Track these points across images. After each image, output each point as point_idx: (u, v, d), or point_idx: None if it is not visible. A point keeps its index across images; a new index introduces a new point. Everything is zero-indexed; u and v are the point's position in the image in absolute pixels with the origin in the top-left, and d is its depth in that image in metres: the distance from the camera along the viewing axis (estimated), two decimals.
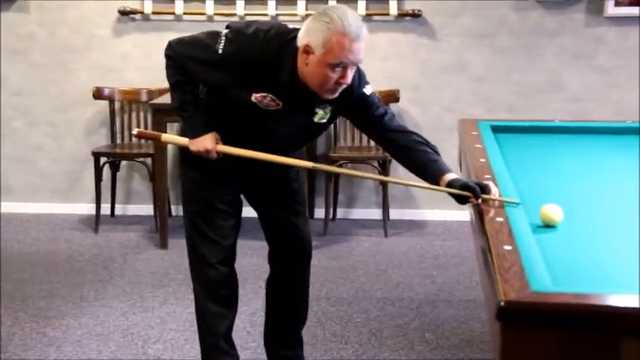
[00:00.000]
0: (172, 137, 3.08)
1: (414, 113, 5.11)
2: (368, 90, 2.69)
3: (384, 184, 4.97)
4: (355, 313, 3.79)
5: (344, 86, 2.53)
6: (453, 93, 5.10)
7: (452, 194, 2.48)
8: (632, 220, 2.35)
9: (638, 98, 4.89)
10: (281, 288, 3.05)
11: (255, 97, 2.58)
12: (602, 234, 2.23)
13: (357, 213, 5.28)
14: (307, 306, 3.11)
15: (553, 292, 1.69)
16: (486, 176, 2.63)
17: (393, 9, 4.97)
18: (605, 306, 1.64)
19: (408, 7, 4.99)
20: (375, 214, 5.16)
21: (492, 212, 2.24)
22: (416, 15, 4.98)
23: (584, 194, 2.63)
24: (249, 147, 2.69)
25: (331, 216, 5.14)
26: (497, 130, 3.47)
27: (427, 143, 2.69)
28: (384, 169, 4.91)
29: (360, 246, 4.76)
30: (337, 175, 5.13)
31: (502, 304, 1.61)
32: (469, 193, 2.40)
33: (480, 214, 2.28)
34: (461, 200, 2.46)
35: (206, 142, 2.67)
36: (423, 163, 2.64)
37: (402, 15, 5.00)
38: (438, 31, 5.04)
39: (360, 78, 2.65)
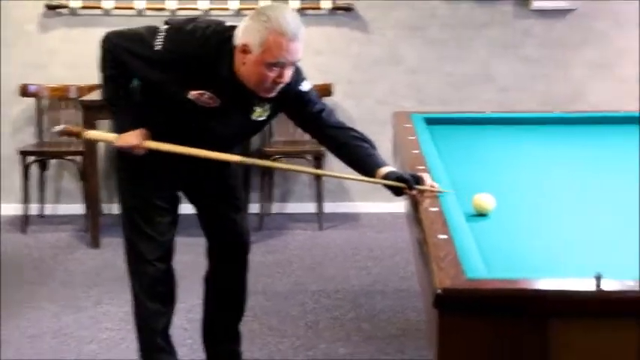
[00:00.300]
0: (98, 134, 3.04)
1: (347, 107, 5.14)
2: (306, 86, 2.68)
3: (318, 178, 4.99)
4: (291, 306, 3.79)
5: (282, 85, 2.53)
6: (386, 86, 5.14)
7: (387, 186, 2.50)
8: (559, 208, 2.42)
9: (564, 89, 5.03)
10: (220, 284, 3.04)
11: (192, 94, 2.56)
12: (532, 221, 2.29)
13: (292, 207, 5.29)
14: (245, 301, 3.10)
15: (487, 278, 1.73)
16: (420, 167, 2.66)
17: (326, 3, 4.98)
18: (536, 290, 1.68)
19: (341, 1, 5.01)
20: (310, 207, 5.17)
21: (427, 202, 2.27)
22: (348, 9, 5.00)
23: (515, 183, 2.69)
24: (187, 144, 2.66)
25: (266, 211, 5.13)
26: (430, 122, 3.51)
27: (364, 138, 2.71)
28: (319, 162, 4.92)
29: (296, 240, 4.77)
30: (271, 170, 5.12)
31: (438, 292, 1.64)
32: (403, 184, 2.42)
33: (414, 205, 2.30)
34: (396, 192, 2.49)
35: (132, 138, 2.65)
36: (360, 157, 2.66)
37: (334, 9, 5.01)
38: (371, 25, 5.07)
39: (297, 75, 2.64)
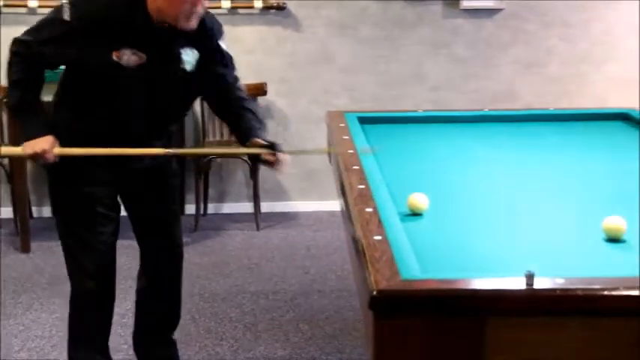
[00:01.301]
0: (7, 149, 2.91)
1: (281, 106, 5.12)
2: (224, 45, 2.76)
3: (255, 178, 4.95)
4: (229, 308, 3.76)
5: (200, 12, 2.54)
6: (320, 84, 5.14)
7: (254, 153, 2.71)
8: (492, 206, 2.45)
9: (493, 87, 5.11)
10: (153, 290, 2.97)
11: (115, 55, 2.52)
12: (465, 220, 2.30)
13: (229, 207, 5.24)
14: (180, 306, 3.05)
15: (422, 279, 1.73)
16: (354, 167, 2.66)
17: (258, 2, 4.95)
18: (470, 290, 1.69)
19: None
20: (247, 207, 5.14)
21: (362, 203, 2.27)
22: (280, 7, 4.97)
23: (448, 182, 2.71)
24: (128, 123, 2.62)
25: (202, 211, 5.07)
26: (364, 121, 3.52)
27: (256, 112, 2.83)
28: (254, 163, 4.88)
29: (233, 240, 4.73)
30: (207, 170, 5.06)
31: (374, 293, 1.63)
32: (270, 149, 2.65)
33: (350, 205, 2.30)
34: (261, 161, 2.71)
35: (41, 144, 2.56)
36: (248, 128, 2.76)
37: (266, 8, 4.98)
38: (303, 23, 5.05)
39: (218, 25, 2.74)
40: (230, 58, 2.79)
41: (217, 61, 2.74)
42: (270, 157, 2.67)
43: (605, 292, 1.65)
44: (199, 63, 2.68)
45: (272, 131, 5.16)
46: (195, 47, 2.65)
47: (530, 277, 1.65)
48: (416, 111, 4.05)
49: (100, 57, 2.52)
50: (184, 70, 2.65)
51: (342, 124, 3.40)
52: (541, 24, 5.07)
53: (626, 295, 1.65)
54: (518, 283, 1.66)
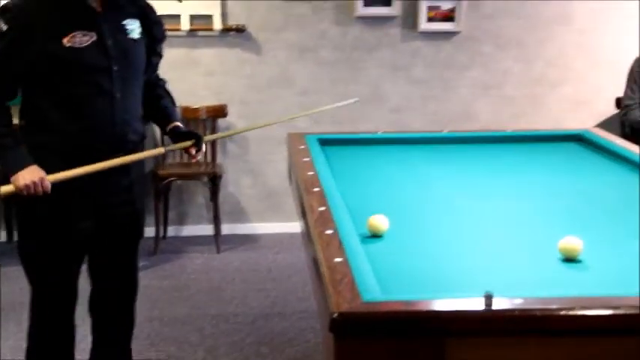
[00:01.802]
0: (4, 188, 2.65)
1: (242, 127, 5.11)
2: (164, 37, 2.89)
3: (215, 200, 4.93)
4: (189, 332, 3.73)
5: None
6: (280, 106, 5.14)
7: (176, 138, 2.82)
8: (452, 227, 2.47)
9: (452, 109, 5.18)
10: (105, 329, 2.91)
11: (67, 41, 2.51)
12: (425, 241, 2.32)
13: (189, 230, 5.21)
14: (130, 339, 2.98)
15: (383, 300, 1.74)
16: (315, 189, 2.67)
17: (217, 24, 4.96)
18: (431, 311, 1.71)
19: (232, 22, 4.99)
20: (207, 230, 5.11)
21: (322, 225, 2.27)
22: (240, 30, 4.99)
23: (409, 203, 2.73)
24: (101, 113, 2.58)
25: (162, 234, 5.03)
26: (324, 142, 3.54)
27: (170, 95, 2.95)
28: (214, 184, 4.88)
29: (193, 263, 4.70)
30: (167, 192, 5.04)
31: (334, 315, 1.64)
32: (193, 138, 2.78)
33: (310, 227, 2.31)
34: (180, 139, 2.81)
35: (33, 174, 2.48)
36: (163, 109, 2.89)
37: (226, 30, 4.99)
38: (263, 46, 5.07)
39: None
40: (164, 38, 2.89)
41: (159, 38, 2.83)
42: (192, 150, 2.80)
43: (562, 312, 1.68)
44: (142, 34, 2.73)
45: (233, 153, 5.17)
46: (135, 17, 2.70)
47: (488, 298, 1.68)
48: (375, 132, 4.07)
49: (52, 48, 2.50)
50: (133, 40, 2.68)
51: (303, 146, 3.41)
52: (496, 46, 5.16)
53: (582, 314, 1.68)
54: (477, 304, 1.68)
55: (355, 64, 5.12)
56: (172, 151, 3.10)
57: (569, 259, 2.10)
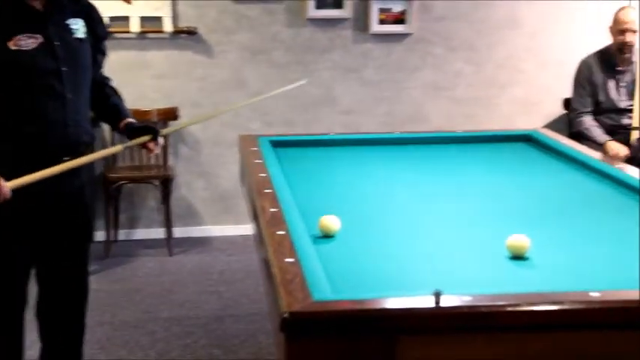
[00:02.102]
0: None
1: (194, 130, 5.09)
2: (107, 35, 2.90)
3: (167, 203, 4.90)
4: (141, 336, 3.70)
5: None
6: (234, 103, 5.13)
7: (132, 134, 2.79)
8: (403, 226, 2.50)
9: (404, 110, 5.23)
10: (54, 335, 2.86)
11: (12, 44, 2.48)
12: (377, 240, 2.34)
13: (140, 233, 5.17)
14: (82, 343, 2.94)
15: (334, 300, 1.75)
16: (267, 190, 2.68)
17: (168, 26, 4.93)
18: (381, 309, 1.73)
19: (183, 24, 4.97)
20: (159, 233, 5.08)
21: (274, 225, 2.28)
22: (191, 32, 4.97)
23: (360, 203, 2.75)
24: (50, 113, 2.55)
25: (113, 238, 4.99)
26: (276, 144, 3.54)
27: (117, 92, 2.93)
28: (166, 187, 4.85)
29: (144, 267, 4.66)
30: (117, 195, 4.99)
31: (285, 315, 1.65)
32: (150, 132, 2.76)
33: (262, 228, 2.31)
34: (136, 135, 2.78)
35: None
36: (113, 107, 2.88)
37: (177, 32, 4.96)
38: (215, 48, 5.06)
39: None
40: (107, 36, 2.90)
41: (102, 37, 2.83)
42: (151, 145, 2.77)
43: (509, 308, 1.71)
44: (87, 33, 2.71)
45: (185, 155, 5.15)
46: (78, 17, 2.68)
47: (437, 296, 1.70)
48: (328, 134, 4.10)
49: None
50: (79, 39, 2.66)
51: (255, 148, 3.41)
52: (447, 48, 5.22)
53: (528, 310, 1.71)
54: (426, 302, 1.70)
55: (307, 65, 5.14)
56: (130, 148, 3.08)
57: (517, 256, 2.14)
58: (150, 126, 2.82)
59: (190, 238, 5.13)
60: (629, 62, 4.78)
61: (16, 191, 2.44)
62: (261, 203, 2.53)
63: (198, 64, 5.05)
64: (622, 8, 4.79)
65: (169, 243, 4.89)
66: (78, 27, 2.66)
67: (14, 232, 2.60)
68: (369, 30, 5.10)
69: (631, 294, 1.80)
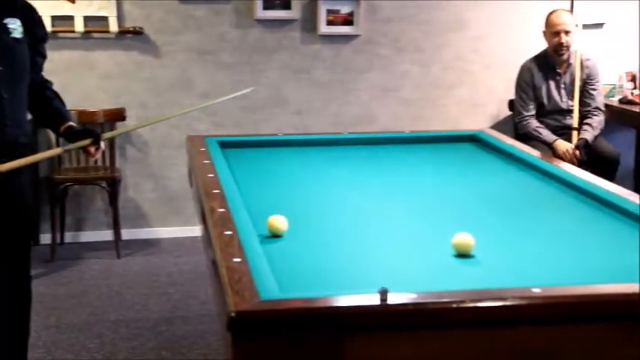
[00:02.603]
0: None
1: (141, 131, 5.04)
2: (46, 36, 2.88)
3: (114, 205, 4.84)
4: (88, 339, 3.65)
5: None
6: (180, 109, 5.10)
7: (73, 137, 2.76)
8: (351, 226, 2.52)
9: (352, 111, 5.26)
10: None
11: None
12: (325, 241, 2.35)
13: (87, 236, 5.10)
14: (27, 347, 2.89)
15: (281, 299, 1.76)
16: (215, 191, 2.67)
17: (114, 26, 4.88)
18: (328, 307, 1.73)
19: (129, 24, 4.92)
20: (107, 235, 5.02)
21: (221, 226, 2.28)
22: (137, 32, 4.92)
23: (309, 204, 2.76)
24: None
25: (59, 240, 4.91)
26: (224, 145, 3.54)
27: (58, 96, 2.90)
28: (113, 189, 4.80)
29: (91, 269, 4.60)
30: (63, 197, 4.92)
31: (232, 315, 1.64)
32: (91, 137, 2.73)
33: (209, 229, 2.31)
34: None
35: None
36: (54, 110, 2.85)
37: (122, 32, 4.91)
38: (162, 49, 5.02)
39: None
40: (46, 38, 2.87)
41: (40, 37, 2.80)
42: (92, 149, 2.76)
43: (454, 305, 1.74)
44: (24, 33, 2.69)
45: (132, 157, 5.10)
46: (15, 17, 2.67)
47: (383, 293, 1.72)
48: (276, 135, 4.10)
49: None
50: (15, 39, 2.64)
51: (203, 149, 3.40)
52: (395, 49, 5.26)
53: (473, 306, 1.74)
54: (372, 300, 1.72)
55: (256, 66, 5.14)
56: (70, 151, 3.05)
57: (462, 254, 2.17)
58: (91, 130, 2.81)
59: (138, 240, 5.08)
60: (567, 63, 4.88)
61: None
62: (209, 204, 2.53)
63: (145, 64, 5.01)
64: (554, 11, 4.88)
65: (117, 245, 4.84)
66: (15, 27, 2.65)
67: None
68: (318, 31, 5.12)
69: (571, 289, 1.84)
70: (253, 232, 2.27)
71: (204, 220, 2.51)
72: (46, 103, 2.84)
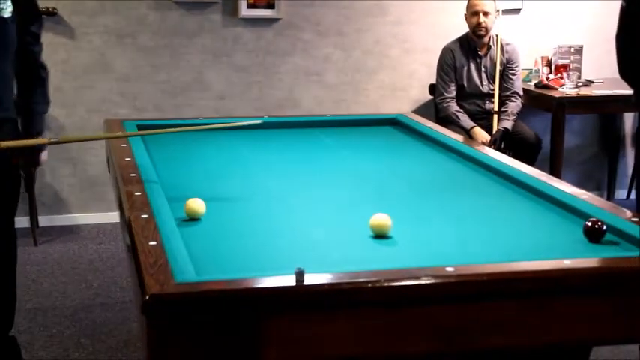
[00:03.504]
0: None
1: (57, 115, 4.91)
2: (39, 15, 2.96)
3: (31, 192, 4.72)
4: None
5: None
6: (98, 93, 5.00)
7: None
8: (269, 209, 2.52)
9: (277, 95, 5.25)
10: None
11: None
12: (243, 224, 2.35)
13: None
14: (15, 304, 3.03)
15: (197, 281, 1.75)
16: (131, 175, 2.63)
17: None
18: (244, 289, 1.73)
19: (43, 5, 4.78)
20: (23, 222, 4.88)
21: (138, 209, 2.25)
22: (51, 13, 4.78)
23: (227, 188, 2.75)
24: None
25: None
26: (142, 129, 3.48)
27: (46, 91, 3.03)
28: (29, 174, 4.66)
29: None
30: None
31: (146, 298, 1.63)
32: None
33: (125, 212, 2.27)
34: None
35: None
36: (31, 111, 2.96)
37: None
38: (77, 30, 4.90)
39: None
40: (41, 21, 2.95)
41: (31, 17, 2.86)
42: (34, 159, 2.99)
43: (369, 285, 1.76)
44: (15, 13, 2.74)
45: None
46: None
47: (300, 274, 1.72)
48: (198, 119, 4.06)
49: None
50: (3, 18, 2.69)
51: (120, 133, 3.34)
52: (316, 33, 5.26)
53: (388, 285, 1.76)
54: (289, 281, 1.72)
55: (176, 50, 5.06)
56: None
57: (380, 235, 2.19)
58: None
59: (57, 227, 4.96)
60: (488, 47, 4.96)
61: None
62: (125, 188, 2.49)
63: (60, 46, 4.87)
64: None
65: (34, 232, 4.72)
66: (3, 6, 2.69)
67: None
68: (239, 14, 5.08)
69: (483, 267, 1.88)
70: (170, 215, 2.25)
71: (120, 205, 2.47)
72: (29, 97, 2.95)
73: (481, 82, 4.97)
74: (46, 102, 3.02)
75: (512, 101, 4.95)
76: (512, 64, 4.99)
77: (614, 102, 4.97)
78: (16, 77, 2.91)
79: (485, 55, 4.96)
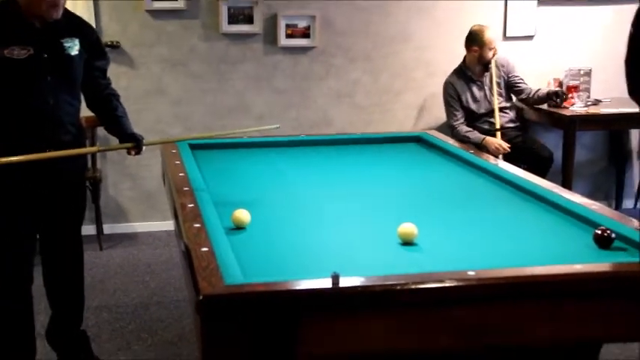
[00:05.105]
0: None
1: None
2: (104, 54, 2.99)
3: (97, 202, 4.78)
4: None
5: (62, 2, 2.69)
6: (154, 115, 5.06)
7: (121, 139, 2.96)
8: (308, 219, 2.52)
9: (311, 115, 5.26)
10: (59, 291, 3.06)
11: (6, 52, 2.61)
12: (285, 232, 2.36)
13: None
14: (83, 301, 3.14)
15: (244, 283, 1.76)
16: (185, 188, 2.65)
17: None
18: (285, 290, 1.74)
19: (107, 39, 4.86)
20: (90, 230, 4.94)
21: (191, 219, 2.27)
22: (115, 46, 4.86)
23: (270, 199, 2.76)
24: (40, 115, 2.70)
25: None
26: (194, 147, 3.52)
27: (121, 105, 3.07)
28: (95, 188, 4.73)
29: None
30: None
31: (200, 298, 1.64)
32: (133, 141, 2.91)
33: (180, 222, 2.29)
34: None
35: None
36: (117, 119, 3.02)
37: None
38: (137, 60, 4.97)
39: (92, 28, 2.98)
40: (107, 58, 3.02)
41: (97, 55, 2.92)
42: (132, 151, 2.94)
43: (398, 287, 1.75)
44: (81, 51, 2.80)
45: (112, 159, 5.04)
46: (74, 37, 2.78)
47: (335, 278, 1.72)
48: (242, 137, 4.09)
49: None
50: (69, 55, 2.76)
51: (174, 150, 3.38)
52: (347, 59, 5.26)
53: (415, 288, 1.75)
54: (325, 283, 1.73)
55: (222, 75, 5.10)
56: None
57: (407, 242, 2.18)
58: (136, 136, 2.95)
59: (119, 234, 5.02)
60: (483, 70, 4.93)
61: (15, 169, 2.64)
62: (180, 200, 2.52)
63: (122, 74, 4.94)
64: (484, 28, 4.87)
65: (99, 239, 4.78)
66: (70, 45, 2.77)
67: (17, 203, 2.77)
68: (278, 43, 5.11)
69: (502, 272, 1.87)
70: (219, 224, 2.26)
71: (175, 215, 2.50)
72: (111, 113, 2.99)
73: (489, 99, 4.91)
74: (125, 113, 3.06)
75: (539, 89, 4.95)
76: (512, 73, 4.95)
77: (621, 119, 4.89)
78: (93, 110, 3.03)
79: (484, 75, 4.91)
